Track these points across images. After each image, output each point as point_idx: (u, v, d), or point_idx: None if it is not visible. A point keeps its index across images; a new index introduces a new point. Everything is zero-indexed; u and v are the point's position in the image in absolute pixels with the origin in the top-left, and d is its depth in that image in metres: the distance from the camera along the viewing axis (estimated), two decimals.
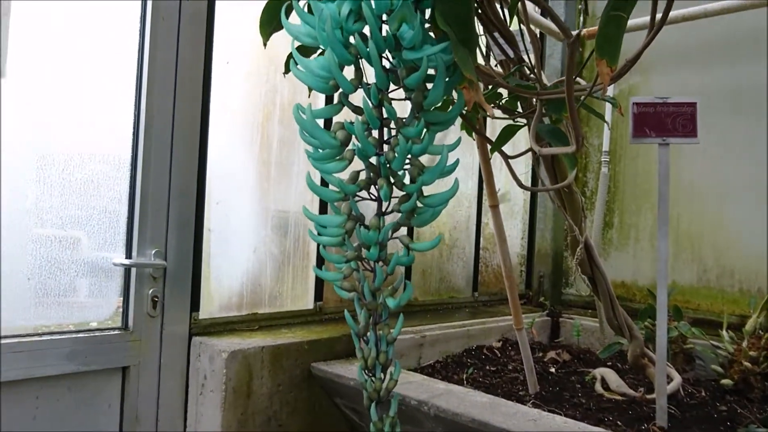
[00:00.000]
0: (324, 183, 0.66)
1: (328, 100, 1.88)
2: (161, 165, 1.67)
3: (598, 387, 1.91)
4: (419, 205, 0.64)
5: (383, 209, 0.64)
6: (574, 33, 0.79)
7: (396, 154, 0.60)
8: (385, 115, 0.62)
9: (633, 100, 1.69)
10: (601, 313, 2.39)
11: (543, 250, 2.92)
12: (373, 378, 0.64)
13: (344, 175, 0.64)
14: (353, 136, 0.62)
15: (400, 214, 0.64)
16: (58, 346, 1.49)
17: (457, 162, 0.64)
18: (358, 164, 0.66)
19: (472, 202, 2.70)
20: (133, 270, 1.63)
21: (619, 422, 1.65)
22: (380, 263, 0.62)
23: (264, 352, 1.69)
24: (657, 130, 1.69)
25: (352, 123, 0.61)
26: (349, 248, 0.63)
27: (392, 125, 0.63)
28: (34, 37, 1.46)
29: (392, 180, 0.62)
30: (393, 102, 0.62)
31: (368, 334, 0.65)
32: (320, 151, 0.64)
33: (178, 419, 1.72)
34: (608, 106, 2.41)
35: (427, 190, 0.65)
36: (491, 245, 2.82)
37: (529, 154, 1.34)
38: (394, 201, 0.65)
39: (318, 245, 2.09)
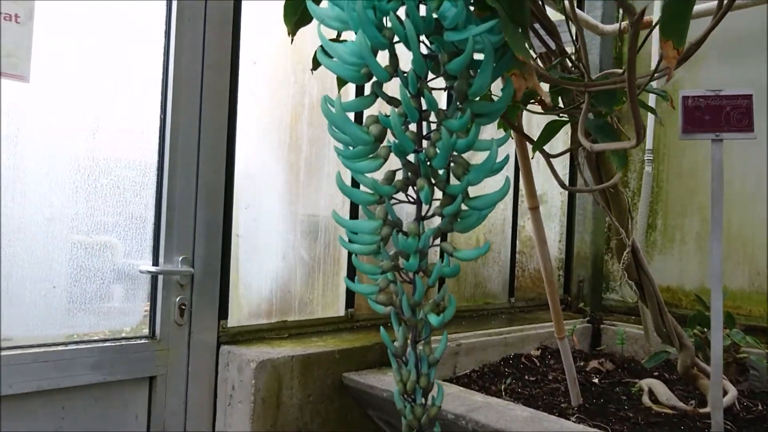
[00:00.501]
0: (355, 184, 0.59)
1: (359, 92, 1.82)
2: (188, 169, 1.62)
3: (646, 399, 1.80)
4: (464, 208, 0.56)
5: (423, 213, 0.56)
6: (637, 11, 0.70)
7: (438, 150, 0.52)
8: (424, 107, 0.55)
9: (683, 93, 1.58)
10: (646, 320, 2.27)
11: (582, 253, 2.80)
12: (413, 404, 0.56)
13: (378, 175, 0.57)
14: (388, 131, 0.55)
15: (441, 219, 0.56)
16: (84, 355, 1.45)
17: (506, 159, 0.56)
18: (393, 163, 0.59)
19: (507, 204, 2.60)
20: (160, 277, 1.59)
21: None
22: (420, 274, 0.55)
23: (294, 361, 1.63)
24: (709, 125, 1.58)
25: (387, 116, 0.54)
26: (384, 257, 0.56)
27: (432, 118, 0.55)
28: (57, 41, 1.43)
29: (433, 180, 0.55)
30: (432, 92, 0.55)
31: (407, 353, 0.58)
32: (351, 148, 0.57)
33: (206, 429, 1.67)
34: (653, 100, 2.29)
35: (471, 192, 0.57)
36: (528, 249, 2.72)
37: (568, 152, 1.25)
38: (434, 204, 0.57)
39: (349, 253, 2.03)
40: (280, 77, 1.88)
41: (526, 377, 2.00)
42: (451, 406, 1.46)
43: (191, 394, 1.64)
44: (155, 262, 1.59)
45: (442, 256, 0.58)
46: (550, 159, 1.41)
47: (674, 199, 2.63)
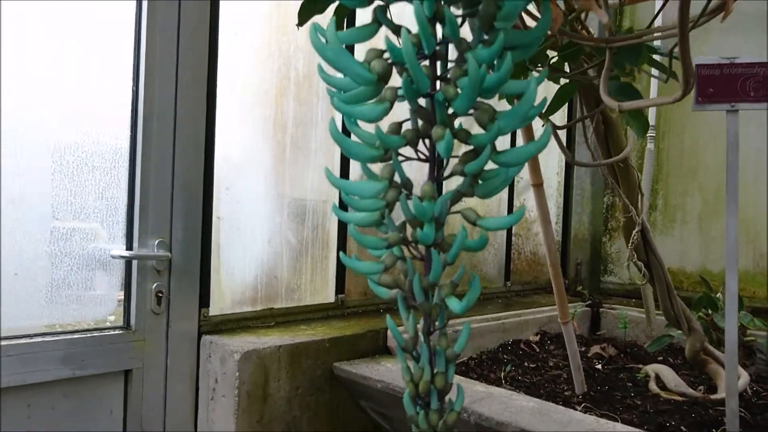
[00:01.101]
0: (347, 132, 0.47)
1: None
2: (163, 147, 1.49)
3: (653, 386, 1.72)
4: (490, 167, 0.45)
5: (439, 172, 0.45)
6: None
7: (460, 90, 0.41)
8: (439, 37, 0.43)
9: (696, 62, 1.47)
10: (648, 303, 2.19)
11: (580, 235, 2.71)
12: (427, 409, 0.45)
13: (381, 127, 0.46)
14: (394, 68, 0.44)
15: (462, 179, 0.45)
16: (51, 348, 1.33)
17: (544, 102, 0.45)
18: (394, 114, 0.47)
19: None
20: (134, 263, 1.47)
21: (682, 427, 1.46)
22: (436, 249, 0.44)
23: (281, 351, 1.51)
24: (724, 94, 1.47)
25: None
26: (390, 228, 0.44)
27: (450, 52, 0.44)
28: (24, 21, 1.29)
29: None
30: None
31: (418, 347, 0.46)
32: (344, 92, 0.45)
33: (188, 426, 1.55)
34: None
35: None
36: (524, 231, 2.62)
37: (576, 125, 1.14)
38: (451, 162, 0.46)
39: (339, 236, 1.91)
40: (263, 50, 1.75)
41: (526, 364, 1.91)
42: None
43: (171, 388, 1.53)
44: (129, 247, 1.46)
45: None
46: (557, 130, 1.30)
47: (675, 178, 2.54)
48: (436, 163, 0.46)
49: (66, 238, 1.38)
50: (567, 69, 1.19)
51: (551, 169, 2.70)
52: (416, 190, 0.45)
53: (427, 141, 0.46)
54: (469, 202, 0.47)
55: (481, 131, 0.44)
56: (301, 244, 1.84)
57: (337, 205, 0.46)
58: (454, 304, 0.42)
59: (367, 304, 2.00)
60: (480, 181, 0.46)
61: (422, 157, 0.46)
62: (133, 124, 1.46)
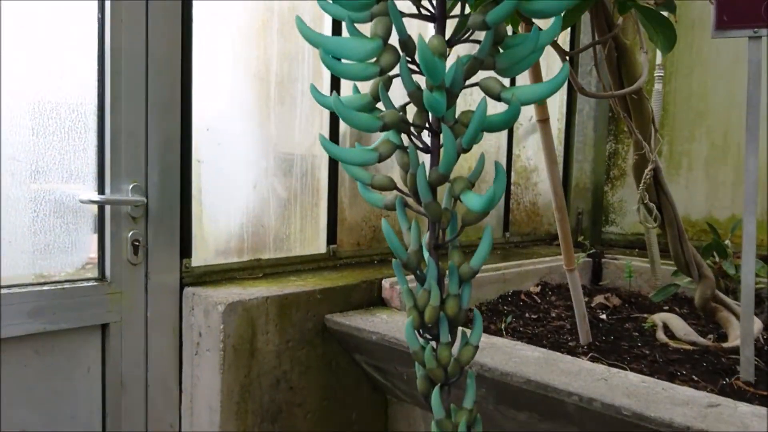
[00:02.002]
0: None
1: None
2: (134, 78, 1.36)
3: (661, 335, 1.64)
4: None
5: (447, 26, 0.34)
6: None
7: None
8: None
9: None
10: (653, 252, 2.10)
11: (582, 184, 2.60)
12: (435, 343, 0.35)
13: None
14: None
15: (479, 45, 0.33)
16: (16, 301, 1.23)
17: None
18: None
19: (502, 131, 2.37)
20: (107, 208, 1.35)
21: (694, 376, 1.38)
22: (449, 126, 0.32)
23: (269, 303, 1.42)
24: (746, 19, 1.35)
25: None
26: (386, 104, 0.33)
27: None
28: None
29: None
30: None
31: (423, 263, 0.36)
32: None
33: (172, 382, 1.47)
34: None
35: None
36: (523, 180, 2.51)
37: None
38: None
39: (330, 184, 1.79)
40: None
41: (527, 315, 1.83)
42: None
43: (152, 342, 1.43)
44: (100, 191, 1.35)
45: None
46: (566, 56, 1.18)
47: (682, 122, 2.43)
48: (444, 22, 0.34)
49: (28, 180, 1.26)
50: None
51: (552, 115, 2.57)
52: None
53: None
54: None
55: None
56: (290, 191, 1.72)
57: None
58: (472, 201, 0.31)
59: (360, 255, 1.90)
60: (501, 50, 0.35)
61: (425, 13, 0.34)
62: (100, 55, 1.33)
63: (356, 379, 1.62)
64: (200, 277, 1.51)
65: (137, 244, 1.39)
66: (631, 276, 2.13)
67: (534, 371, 1.14)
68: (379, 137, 0.36)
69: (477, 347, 0.36)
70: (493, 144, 2.35)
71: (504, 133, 2.38)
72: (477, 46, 0.34)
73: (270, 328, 1.42)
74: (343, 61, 0.32)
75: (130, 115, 1.35)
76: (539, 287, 2.08)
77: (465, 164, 2.24)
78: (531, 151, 2.53)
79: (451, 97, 0.32)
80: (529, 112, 2.41)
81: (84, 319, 1.33)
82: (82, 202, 1.31)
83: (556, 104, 2.58)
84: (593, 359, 1.44)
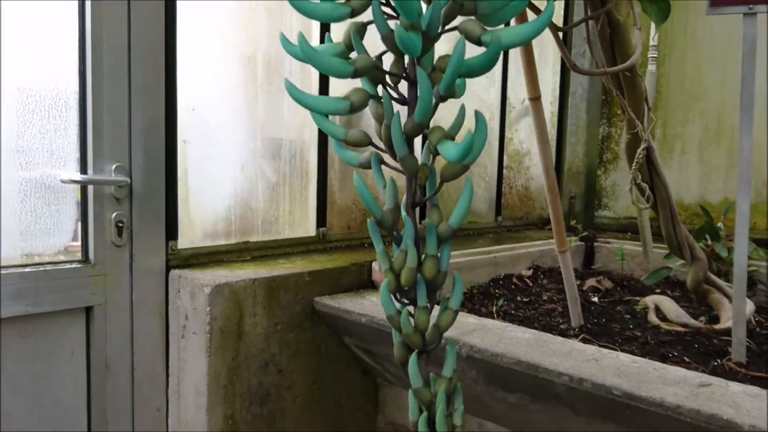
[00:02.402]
0: None
1: None
2: (117, 58, 1.33)
3: (653, 317, 1.63)
4: None
5: None
6: None
7: None
8: None
9: None
10: (645, 235, 2.08)
11: (574, 167, 2.59)
12: (412, 307, 0.33)
13: None
14: None
15: None
16: None
17: None
18: None
19: (494, 114, 2.35)
20: (90, 189, 1.32)
21: (686, 358, 1.37)
22: (427, 74, 0.30)
23: (256, 285, 1.39)
24: None
25: None
26: (358, 49, 0.31)
27: None
28: None
29: None
30: None
31: (401, 223, 0.33)
32: None
33: (159, 365, 1.45)
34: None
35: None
36: (515, 164, 2.49)
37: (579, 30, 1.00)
38: None
39: (319, 166, 1.76)
40: None
41: (519, 298, 1.81)
42: None
43: (138, 325, 1.41)
44: (83, 171, 1.32)
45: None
46: (558, 33, 1.15)
47: (675, 105, 2.41)
48: None
49: (7, 161, 1.23)
50: None
51: (544, 98, 2.55)
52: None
53: None
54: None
55: None
56: (278, 173, 1.70)
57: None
58: (450, 150, 0.29)
59: (350, 238, 1.88)
60: None
61: None
62: (81, 35, 1.29)
63: (346, 362, 1.60)
64: (187, 259, 1.49)
65: (121, 225, 1.36)
66: (624, 259, 2.12)
67: (524, 352, 1.13)
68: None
69: (457, 312, 0.33)
70: None
71: (496, 116, 2.36)
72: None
73: (258, 310, 1.40)
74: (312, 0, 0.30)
75: (112, 95, 1.32)
76: (531, 270, 2.06)
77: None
78: (523, 135, 2.50)
79: (428, 41, 0.30)
80: (522, 94, 2.39)
81: (67, 301, 1.30)
82: (63, 182, 1.28)
83: (549, 86, 2.56)
84: (584, 341, 1.43)
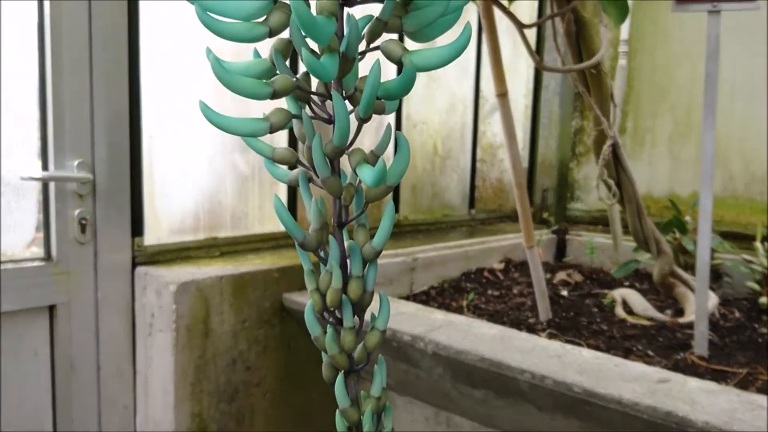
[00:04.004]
0: None
1: None
2: (77, 49, 1.30)
3: (620, 311, 1.65)
4: None
5: None
6: None
7: None
8: None
9: None
10: (615, 228, 2.11)
11: (547, 161, 2.60)
12: (338, 327, 0.32)
13: None
14: None
15: (382, 4, 0.30)
16: None
17: None
18: None
19: (467, 107, 2.35)
20: (51, 186, 1.30)
21: (650, 351, 1.39)
22: (345, 98, 0.30)
23: (223, 282, 1.38)
24: None
25: None
26: (281, 70, 0.30)
27: None
28: None
29: None
30: None
31: (326, 243, 0.33)
32: None
33: (125, 363, 1.43)
34: None
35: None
36: (489, 157, 2.50)
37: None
38: None
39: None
40: None
41: (490, 292, 1.82)
42: (408, 326, 1.26)
43: (103, 324, 1.39)
44: (44, 168, 1.29)
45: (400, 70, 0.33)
46: (523, 30, 1.15)
47: (646, 99, 2.43)
48: None
49: None
50: None
51: (518, 91, 2.56)
52: None
53: None
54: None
55: None
56: (248, 166, 1.68)
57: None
58: (365, 174, 0.28)
59: None
60: (409, 11, 0.32)
61: None
62: (40, 18, 1.26)
63: (316, 358, 1.60)
64: (153, 256, 1.47)
65: (85, 222, 1.34)
66: (593, 253, 2.14)
67: (489, 349, 1.13)
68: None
69: (384, 332, 0.33)
70: (458, 120, 2.33)
71: (469, 109, 2.36)
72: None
73: (225, 308, 1.39)
74: (225, 20, 0.29)
75: (73, 88, 1.30)
76: (503, 264, 2.08)
77: (431, 141, 2.22)
78: (497, 127, 2.51)
79: (347, 62, 0.29)
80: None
81: (29, 300, 1.28)
82: (23, 179, 1.25)
83: (523, 80, 2.57)
84: (551, 336, 1.44)
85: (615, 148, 1.43)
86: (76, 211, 1.33)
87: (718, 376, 1.25)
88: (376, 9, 0.33)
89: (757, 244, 1.86)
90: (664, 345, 1.44)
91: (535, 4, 2.40)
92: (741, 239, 2.07)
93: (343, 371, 0.33)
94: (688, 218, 1.95)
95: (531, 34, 2.47)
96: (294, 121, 0.32)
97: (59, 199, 1.30)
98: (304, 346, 1.57)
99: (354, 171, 0.30)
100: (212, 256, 1.58)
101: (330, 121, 0.32)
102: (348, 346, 0.33)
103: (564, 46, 1.29)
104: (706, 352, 1.37)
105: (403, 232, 2.12)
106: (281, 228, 1.75)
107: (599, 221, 2.52)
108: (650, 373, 1.04)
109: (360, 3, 0.32)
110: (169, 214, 1.52)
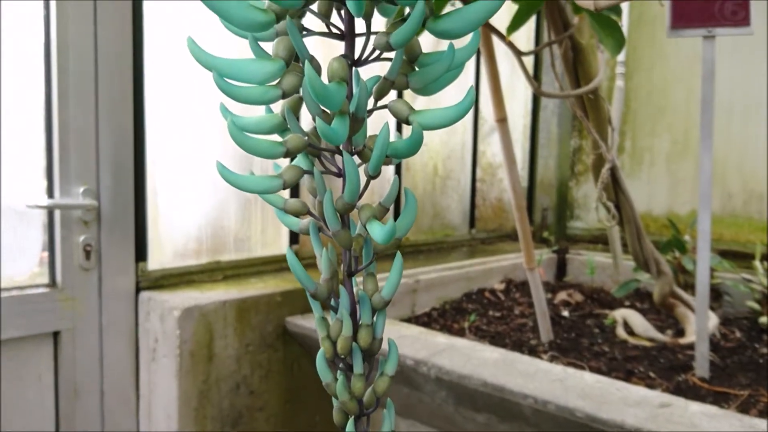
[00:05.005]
0: None
1: None
2: (83, 77, 1.32)
3: (621, 331, 1.66)
4: (424, 55, 0.32)
5: (357, 49, 0.32)
6: None
7: None
8: None
9: None
10: (615, 247, 2.12)
11: (546, 180, 2.62)
12: (348, 374, 0.34)
13: None
14: None
15: (390, 62, 0.32)
16: None
17: None
18: None
19: (467, 128, 2.37)
20: (57, 213, 1.31)
21: (651, 373, 1.40)
22: (354, 154, 0.31)
23: (227, 307, 1.39)
24: (700, 18, 1.36)
25: None
26: (293, 129, 0.32)
27: None
28: None
29: None
30: None
31: (336, 293, 0.34)
32: None
33: (129, 389, 1.44)
34: (626, 10, 2.06)
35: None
36: (489, 176, 2.52)
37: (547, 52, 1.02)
38: (373, 38, 0.33)
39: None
40: None
41: (491, 313, 1.83)
42: (411, 350, 1.27)
43: (107, 349, 1.40)
44: (49, 195, 1.31)
45: (399, 128, 0.34)
46: (522, 57, 1.17)
47: (643, 118, 2.45)
48: (353, 40, 0.32)
49: None
50: None
51: (516, 112, 2.59)
52: None
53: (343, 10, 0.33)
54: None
55: None
56: None
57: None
58: (375, 231, 0.30)
59: None
60: (416, 69, 0.34)
61: (335, 30, 0.33)
62: (47, 50, 1.28)
63: (319, 381, 1.60)
64: (157, 280, 1.48)
65: (89, 248, 1.35)
66: (594, 272, 2.15)
67: (491, 373, 1.14)
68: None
69: (392, 377, 0.34)
70: (458, 141, 2.35)
71: (469, 130, 2.38)
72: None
73: (228, 332, 1.40)
74: (241, 84, 0.31)
75: (78, 115, 1.31)
76: (504, 284, 2.09)
77: (431, 162, 2.24)
78: (496, 147, 2.53)
79: (357, 122, 0.31)
80: None
81: (34, 326, 1.29)
82: (29, 207, 1.27)
83: (522, 100, 2.59)
84: (552, 358, 1.45)
85: (613, 171, 1.44)
86: (81, 238, 1.34)
87: (720, 399, 1.26)
88: (383, 65, 0.35)
89: (756, 263, 1.87)
90: (666, 366, 1.44)
91: (532, 30, 2.43)
92: (740, 257, 2.08)
93: (353, 415, 0.34)
94: (687, 237, 1.97)
95: (529, 58, 2.50)
96: (305, 175, 0.33)
97: (64, 225, 1.32)
98: (307, 369, 1.57)
99: (364, 226, 0.32)
100: (215, 279, 1.59)
101: (340, 174, 0.34)
102: (358, 393, 0.34)
103: (562, 71, 1.31)
104: (707, 374, 1.37)
105: (404, 252, 2.12)
106: (284, 251, 1.76)
107: (599, 239, 2.53)
108: (652, 397, 1.05)
109: (369, 62, 0.33)
110: (172, 238, 1.53)
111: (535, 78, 2.46)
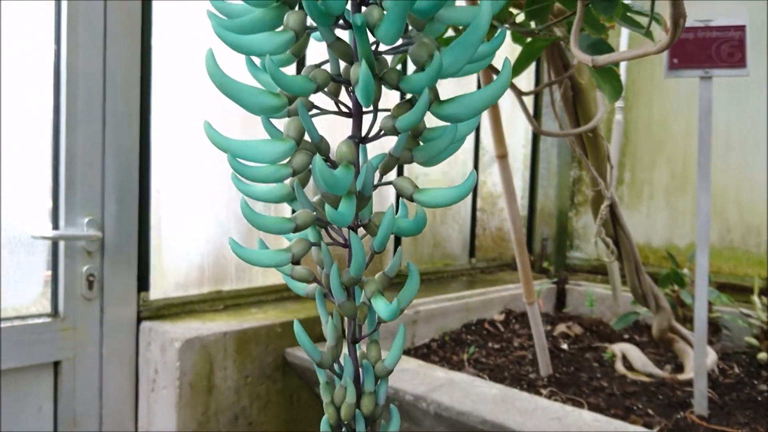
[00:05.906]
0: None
1: None
2: (91, 108, 1.34)
3: (620, 366, 1.66)
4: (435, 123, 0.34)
5: (363, 129, 0.34)
6: None
7: (386, 10, 0.30)
8: None
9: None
10: (614, 279, 2.13)
11: (546, 210, 2.64)
12: None
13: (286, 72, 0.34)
14: None
15: (395, 140, 0.34)
16: None
17: (503, 35, 0.34)
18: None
19: (467, 157, 2.40)
20: (61, 244, 1.33)
21: (650, 410, 1.40)
22: (359, 231, 0.33)
23: (227, 338, 1.40)
24: (698, 60, 1.39)
25: None
26: (302, 203, 0.33)
27: None
28: None
29: (378, 72, 0.32)
30: None
31: (341, 361, 0.36)
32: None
33: (128, 419, 1.44)
34: (624, 43, 2.11)
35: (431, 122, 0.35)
36: (489, 206, 2.53)
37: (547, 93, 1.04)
38: (381, 117, 0.35)
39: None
40: None
41: (490, 345, 1.83)
42: (410, 385, 1.27)
43: (107, 379, 1.40)
44: (54, 226, 1.32)
45: (398, 203, 0.36)
46: (522, 97, 1.20)
47: (643, 151, 2.48)
48: (361, 118, 0.34)
49: None
50: (533, 26, 1.09)
51: (517, 142, 2.61)
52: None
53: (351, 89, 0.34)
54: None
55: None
56: None
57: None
58: (380, 307, 0.31)
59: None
60: (420, 143, 0.35)
61: (344, 109, 0.35)
62: (56, 80, 1.30)
63: (318, 413, 1.59)
64: (159, 310, 1.49)
65: (92, 278, 1.36)
66: (593, 305, 2.15)
67: (490, 410, 1.14)
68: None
69: None
70: (458, 171, 2.37)
71: (470, 160, 2.41)
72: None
73: (228, 363, 1.40)
74: (253, 164, 0.32)
75: (86, 143, 1.33)
76: (503, 315, 2.09)
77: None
78: (497, 177, 2.55)
79: (363, 200, 0.32)
80: None
81: (35, 356, 1.30)
82: (34, 238, 1.28)
83: (522, 132, 2.62)
84: (551, 393, 1.45)
85: (612, 207, 1.46)
86: (84, 268, 1.35)
87: None
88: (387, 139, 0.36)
89: (755, 297, 1.88)
90: (665, 403, 1.44)
91: (533, 70, 2.46)
92: (738, 291, 2.09)
93: None
94: (686, 270, 1.97)
95: (529, 97, 2.54)
96: (313, 248, 0.35)
97: (68, 255, 1.33)
98: (307, 400, 1.57)
99: (369, 299, 0.33)
100: (216, 309, 1.60)
101: (346, 245, 0.35)
102: None
103: (561, 109, 1.33)
104: (705, 412, 1.37)
105: (404, 282, 2.13)
106: (284, 280, 1.77)
107: (599, 270, 2.54)
108: None
109: (375, 139, 0.35)
110: (174, 267, 1.54)
111: (536, 114, 2.49)
